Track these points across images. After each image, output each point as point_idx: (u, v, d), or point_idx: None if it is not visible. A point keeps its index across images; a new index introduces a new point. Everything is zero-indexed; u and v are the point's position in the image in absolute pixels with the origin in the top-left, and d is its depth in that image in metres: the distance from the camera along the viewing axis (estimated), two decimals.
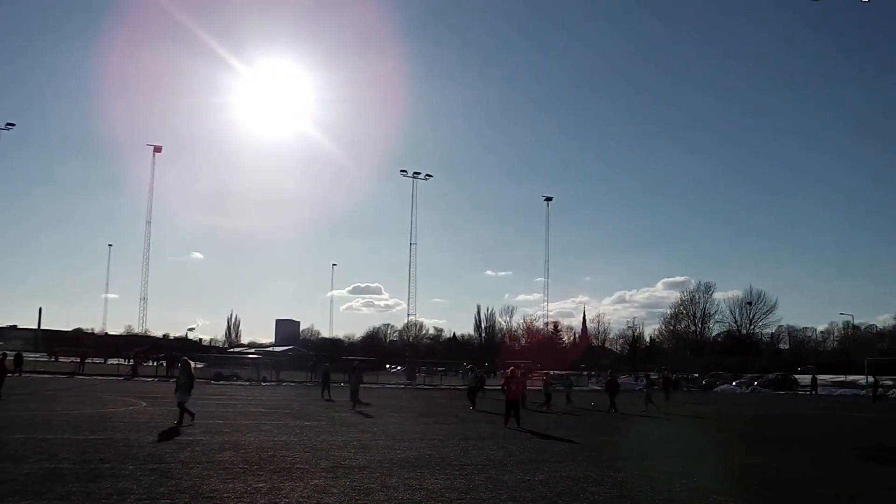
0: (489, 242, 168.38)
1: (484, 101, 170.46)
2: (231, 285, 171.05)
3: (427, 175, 77.61)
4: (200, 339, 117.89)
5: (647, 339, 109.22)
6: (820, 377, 60.56)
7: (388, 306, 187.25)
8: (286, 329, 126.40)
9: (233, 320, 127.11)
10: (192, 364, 19.10)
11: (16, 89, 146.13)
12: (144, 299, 73.49)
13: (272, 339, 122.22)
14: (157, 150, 74.46)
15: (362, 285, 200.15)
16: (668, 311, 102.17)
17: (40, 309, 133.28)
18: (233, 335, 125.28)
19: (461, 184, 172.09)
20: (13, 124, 65.20)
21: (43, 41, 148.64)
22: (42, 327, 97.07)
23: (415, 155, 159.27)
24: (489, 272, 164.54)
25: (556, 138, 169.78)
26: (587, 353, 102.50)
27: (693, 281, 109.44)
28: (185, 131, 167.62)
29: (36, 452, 11.31)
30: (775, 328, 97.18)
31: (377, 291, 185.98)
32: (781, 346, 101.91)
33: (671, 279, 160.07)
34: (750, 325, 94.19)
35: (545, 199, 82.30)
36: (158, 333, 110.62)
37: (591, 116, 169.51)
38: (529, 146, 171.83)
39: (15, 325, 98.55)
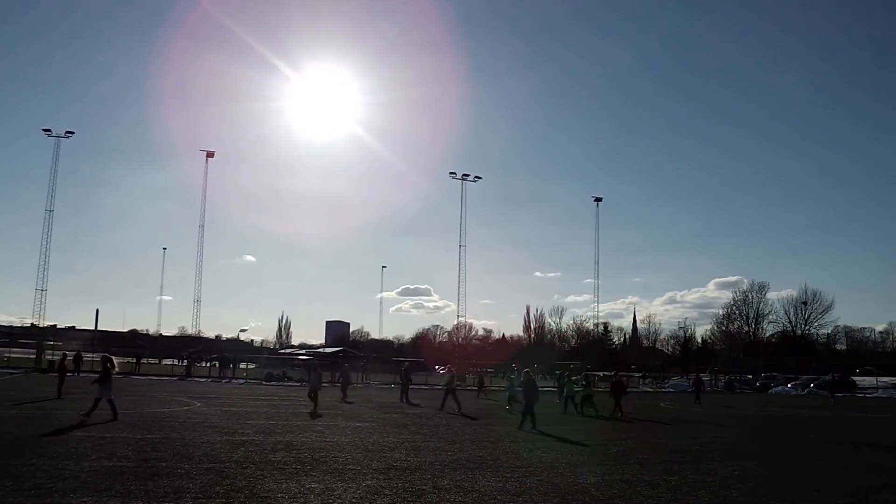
0: (538, 243, 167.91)
1: (533, 101, 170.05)
2: (282, 287, 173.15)
3: (476, 177, 77.41)
4: (252, 340, 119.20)
5: (699, 340, 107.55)
6: (880, 379, 59.49)
7: (437, 308, 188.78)
8: (336, 330, 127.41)
9: (283, 321, 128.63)
10: (114, 360, 19.04)
11: (77, 97, 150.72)
12: (198, 301, 74.26)
13: (322, 341, 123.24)
14: (210, 155, 75.39)
15: (412, 287, 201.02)
16: (721, 312, 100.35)
17: (97, 310, 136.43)
18: (284, 336, 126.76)
19: (509, 184, 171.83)
20: (72, 132, 66.61)
21: (102, 52, 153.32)
22: (99, 328, 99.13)
23: (463, 156, 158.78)
24: (538, 273, 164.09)
25: (604, 138, 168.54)
26: (638, 353, 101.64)
27: (745, 280, 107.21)
28: (237, 137, 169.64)
29: (96, 450, 11.58)
30: (832, 328, 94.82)
31: (426, 293, 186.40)
32: (838, 346, 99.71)
33: (723, 279, 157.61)
34: (805, 326, 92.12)
35: (595, 200, 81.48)
36: (211, 335, 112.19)
37: (639, 116, 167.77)
38: (578, 146, 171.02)
39: (74, 327, 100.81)
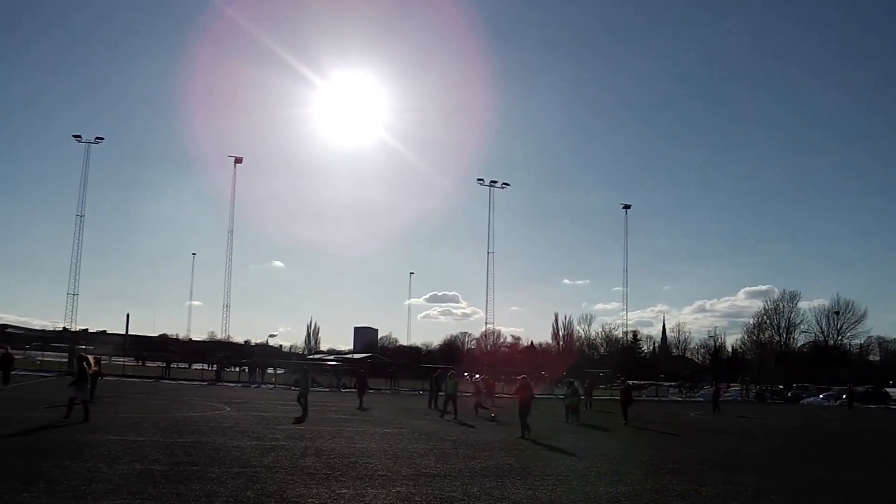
0: (567, 251, 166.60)
1: (561, 109, 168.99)
2: (311, 293, 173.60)
3: (504, 184, 77.24)
4: (281, 346, 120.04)
5: (729, 350, 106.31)
6: None
7: (465, 315, 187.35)
8: (364, 336, 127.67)
9: (312, 327, 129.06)
10: (92, 360, 19.09)
11: (108, 105, 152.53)
12: (227, 306, 74.83)
13: (351, 346, 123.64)
14: (238, 161, 75.91)
15: (440, 294, 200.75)
16: (751, 321, 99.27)
17: (128, 315, 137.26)
18: (312, 342, 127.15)
19: (538, 191, 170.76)
20: (102, 138, 67.64)
21: (132, 60, 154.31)
22: (130, 333, 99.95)
23: (492, 162, 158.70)
24: (566, 280, 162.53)
25: (633, 145, 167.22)
26: (668, 362, 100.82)
27: (776, 290, 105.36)
28: (266, 143, 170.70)
29: (128, 454, 11.69)
30: (864, 339, 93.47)
31: (454, 300, 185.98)
32: (871, 357, 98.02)
33: (753, 288, 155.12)
34: (837, 336, 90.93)
35: (623, 207, 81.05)
36: (240, 340, 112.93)
37: (668, 122, 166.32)
38: (607, 153, 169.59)
39: (105, 331, 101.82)
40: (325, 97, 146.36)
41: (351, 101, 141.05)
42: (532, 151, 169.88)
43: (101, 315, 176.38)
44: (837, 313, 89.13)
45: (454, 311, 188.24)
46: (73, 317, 68.44)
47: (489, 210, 76.18)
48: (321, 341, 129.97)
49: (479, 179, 77.50)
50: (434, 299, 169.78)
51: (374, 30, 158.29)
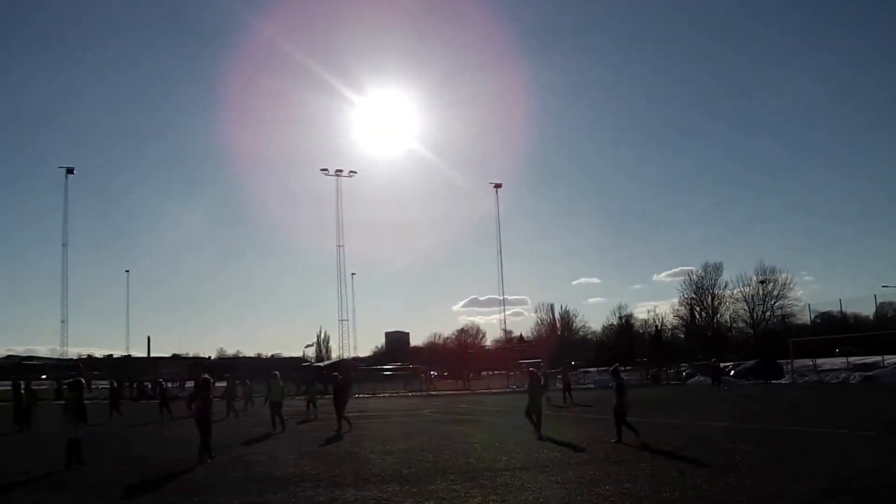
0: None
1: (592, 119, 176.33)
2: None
3: (497, 185, 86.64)
4: (304, 355, 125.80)
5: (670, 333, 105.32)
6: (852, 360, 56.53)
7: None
8: (395, 340, 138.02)
9: (322, 336, 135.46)
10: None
11: (146, 123, 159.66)
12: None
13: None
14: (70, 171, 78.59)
15: (482, 298, 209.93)
16: (676, 301, 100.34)
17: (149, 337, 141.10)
18: (323, 350, 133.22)
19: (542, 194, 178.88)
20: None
21: (170, 79, 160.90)
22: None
23: (527, 169, 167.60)
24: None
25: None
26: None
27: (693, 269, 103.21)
28: (303, 159, 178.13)
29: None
30: (798, 307, 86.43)
31: (490, 303, 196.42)
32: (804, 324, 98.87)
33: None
34: (764, 307, 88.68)
35: (494, 186, 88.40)
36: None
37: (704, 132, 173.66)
38: (631, 157, 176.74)
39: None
40: (363, 113, 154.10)
41: (386, 115, 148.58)
42: (558, 158, 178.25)
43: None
44: (763, 282, 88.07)
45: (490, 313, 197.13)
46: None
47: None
48: (357, 349, 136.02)
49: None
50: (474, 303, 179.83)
51: (408, 42, 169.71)
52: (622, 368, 75.31)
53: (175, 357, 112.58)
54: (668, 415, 27.34)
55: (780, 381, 55.81)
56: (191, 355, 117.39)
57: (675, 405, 33.78)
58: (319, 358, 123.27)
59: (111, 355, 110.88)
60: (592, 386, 66.40)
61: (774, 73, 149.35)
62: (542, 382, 22.36)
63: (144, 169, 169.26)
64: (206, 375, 16.34)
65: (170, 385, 61.55)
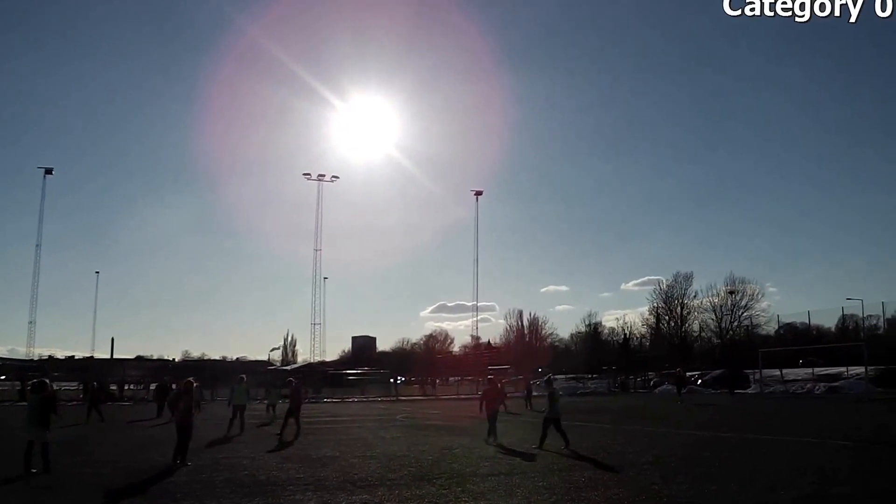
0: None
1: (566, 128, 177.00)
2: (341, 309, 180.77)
3: (478, 192, 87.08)
4: (269, 360, 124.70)
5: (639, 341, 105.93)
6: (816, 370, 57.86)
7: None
8: (361, 344, 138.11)
9: (289, 340, 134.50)
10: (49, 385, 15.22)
11: (123, 127, 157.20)
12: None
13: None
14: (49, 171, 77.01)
15: (450, 304, 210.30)
16: (646, 310, 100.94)
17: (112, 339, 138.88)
18: (289, 354, 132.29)
19: (532, 206, 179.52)
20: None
21: (150, 80, 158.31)
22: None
23: (501, 180, 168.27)
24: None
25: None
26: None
27: (663, 279, 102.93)
28: (282, 163, 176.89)
29: None
30: (766, 318, 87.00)
31: (458, 310, 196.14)
32: (771, 335, 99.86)
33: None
34: (732, 317, 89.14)
35: (475, 194, 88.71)
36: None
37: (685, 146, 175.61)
38: (606, 166, 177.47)
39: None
40: (343, 119, 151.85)
41: (367, 122, 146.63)
42: (532, 170, 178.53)
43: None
44: (732, 293, 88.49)
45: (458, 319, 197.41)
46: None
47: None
48: (326, 353, 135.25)
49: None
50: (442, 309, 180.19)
51: (392, 53, 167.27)
52: (590, 376, 76.51)
53: (139, 359, 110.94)
54: (635, 423, 27.56)
55: (746, 391, 56.55)
56: (155, 357, 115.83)
57: (642, 413, 34.25)
58: (285, 362, 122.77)
59: (73, 356, 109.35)
60: (561, 393, 66.57)
61: (746, 90, 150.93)
62: (500, 389, 22.91)
63: (122, 170, 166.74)
64: (191, 378, 16.15)
65: (113, 387, 61.28)
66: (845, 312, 76.12)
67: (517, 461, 15.82)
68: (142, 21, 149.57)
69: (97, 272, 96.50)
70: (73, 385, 63.16)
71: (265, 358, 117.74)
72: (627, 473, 13.52)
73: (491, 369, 78.88)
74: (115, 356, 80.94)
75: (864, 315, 73.76)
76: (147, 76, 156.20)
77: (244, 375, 26.57)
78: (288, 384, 26.05)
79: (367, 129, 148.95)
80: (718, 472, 13.38)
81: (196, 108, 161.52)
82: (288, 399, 24.04)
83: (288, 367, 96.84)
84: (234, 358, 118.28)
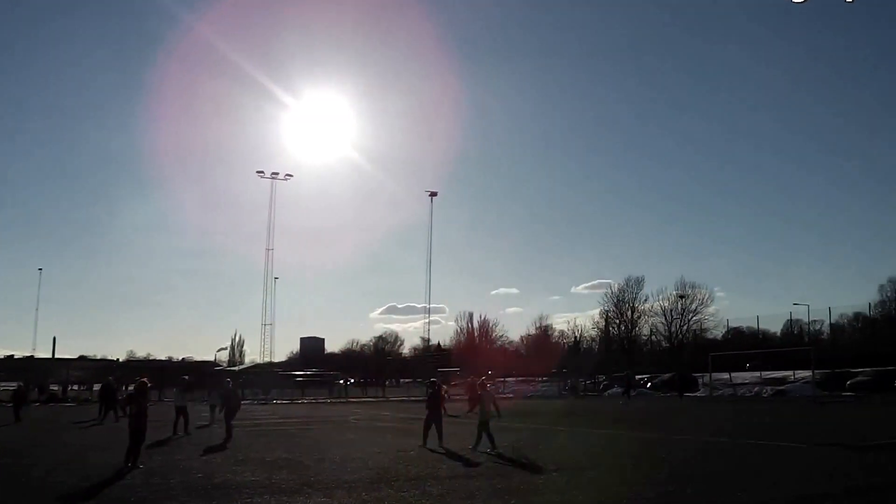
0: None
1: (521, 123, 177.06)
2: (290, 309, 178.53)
3: (432, 193, 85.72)
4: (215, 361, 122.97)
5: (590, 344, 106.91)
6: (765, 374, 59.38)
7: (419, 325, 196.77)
8: (309, 346, 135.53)
9: (237, 340, 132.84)
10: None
11: (69, 124, 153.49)
12: None
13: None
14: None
15: (400, 305, 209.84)
16: (597, 312, 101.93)
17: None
18: (237, 355, 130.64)
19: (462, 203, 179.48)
20: None
21: (96, 79, 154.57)
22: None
23: (455, 178, 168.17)
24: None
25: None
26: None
27: (613, 282, 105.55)
28: (231, 162, 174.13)
29: None
30: (715, 322, 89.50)
31: (410, 311, 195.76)
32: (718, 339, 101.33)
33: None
34: (682, 322, 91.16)
35: (430, 195, 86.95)
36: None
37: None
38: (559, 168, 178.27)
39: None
40: (296, 116, 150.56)
41: (321, 120, 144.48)
42: (489, 167, 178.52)
43: None
44: (682, 297, 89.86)
45: (412, 321, 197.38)
46: None
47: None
48: (275, 354, 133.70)
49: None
50: (392, 310, 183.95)
51: (344, 49, 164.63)
52: (540, 379, 76.81)
53: (83, 359, 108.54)
54: (586, 425, 27.75)
55: (695, 394, 57.53)
56: (99, 357, 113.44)
57: (593, 414, 34.46)
58: (232, 363, 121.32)
59: (13, 356, 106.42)
60: (511, 396, 67.08)
61: (705, 92, 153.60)
62: (443, 393, 22.39)
63: (67, 167, 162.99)
64: (144, 379, 15.83)
65: (55, 387, 60.18)
66: (792, 318, 78.48)
67: (478, 463, 15.77)
68: (88, 19, 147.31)
69: (40, 269, 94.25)
70: (12, 385, 61.64)
71: (212, 358, 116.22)
72: (585, 476, 13.60)
73: (440, 371, 79.10)
74: (57, 356, 79.19)
75: (810, 320, 75.94)
76: (94, 73, 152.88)
77: (187, 376, 26.31)
78: (224, 385, 25.76)
79: (320, 127, 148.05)
80: (679, 475, 13.51)
81: (144, 106, 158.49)
82: (223, 401, 23.56)
83: (236, 368, 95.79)
84: (181, 358, 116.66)
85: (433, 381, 22.87)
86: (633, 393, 50.15)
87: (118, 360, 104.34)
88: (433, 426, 19.52)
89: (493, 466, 15.20)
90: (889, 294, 79.53)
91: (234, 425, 22.46)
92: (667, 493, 11.54)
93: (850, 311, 79.67)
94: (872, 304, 77.18)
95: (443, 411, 20.67)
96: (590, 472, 14.04)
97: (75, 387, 68.04)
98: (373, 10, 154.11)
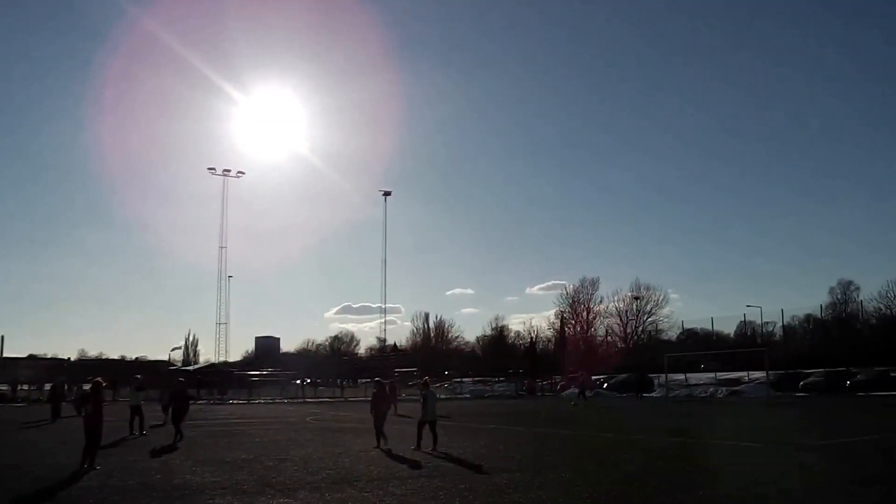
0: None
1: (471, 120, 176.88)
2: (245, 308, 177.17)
3: (386, 193, 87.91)
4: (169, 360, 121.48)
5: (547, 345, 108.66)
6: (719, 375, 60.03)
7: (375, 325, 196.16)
8: (265, 345, 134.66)
9: (191, 339, 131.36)
10: None
11: (14, 120, 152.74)
12: None
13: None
14: None
15: (355, 305, 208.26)
16: (552, 313, 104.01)
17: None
18: (191, 354, 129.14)
19: (437, 203, 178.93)
20: None
21: (40, 75, 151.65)
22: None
23: (403, 175, 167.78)
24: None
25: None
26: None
27: (568, 284, 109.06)
28: (180, 160, 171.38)
29: None
30: (670, 323, 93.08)
31: (365, 311, 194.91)
32: (674, 340, 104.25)
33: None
34: (637, 323, 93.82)
35: (383, 194, 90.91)
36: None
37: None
38: (500, 167, 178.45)
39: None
40: (245, 113, 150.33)
41: (271, 116, 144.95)
42: (438, 164, 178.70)
43: None
44: (637, 298, 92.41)
45: (365, 321, 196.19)
46: None
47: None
48: (229, 354, 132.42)
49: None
50: (347, 310, 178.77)
51: (294, 47, 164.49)
52: (497, 379, 77.37)
53: (32, 358, 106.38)
54: (546, 426, 27.93)
55: (651, 395, 58.19)
56: (49, 356, 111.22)
57: (549, 416, 34.63)
58: (187, 362, 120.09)
59: None
60: (468, 396, 67.29)
61: (661, 93, 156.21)
62: (389, 392, 22.68)
63: (14, 163, 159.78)
64: (99, 378, 15.51)
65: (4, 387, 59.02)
66: (745, 319, 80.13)
67: (438, 463, 15.77)
68: (32, 14, 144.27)
69: None
70: None
71: (166, 358, 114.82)
72: (547, 475, 13.66)
73: (396, 371, 79.19)
74: (5, 355, 77.51)
75: (763, 322, 77.43)
76: (39, 69, 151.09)
77: (140, 375, 25.96)
78: (175, 385, 24.87)
79: (271, 124, 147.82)
80: (641, 473, 13.66)
81: (91, 101, 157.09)
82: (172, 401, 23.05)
83: (190, 368, 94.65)
84: (134, 358, 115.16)
85: (378, 380, 22.78)
86: (589, 394, 50.41)
87: (69, 359, 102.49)
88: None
89: (455, 467, 15.19)
90: (839, 296, 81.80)
91: (188, 425, 22.19)
92: (627, 491, 11.70)
93: (801, 313, 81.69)
94: (823, 306, 79.30)
95: (393, 409, 20.55)
96: (551, 473, 14.06)
97: (25, 387, 66.41)
98: (323, 6, 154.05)
